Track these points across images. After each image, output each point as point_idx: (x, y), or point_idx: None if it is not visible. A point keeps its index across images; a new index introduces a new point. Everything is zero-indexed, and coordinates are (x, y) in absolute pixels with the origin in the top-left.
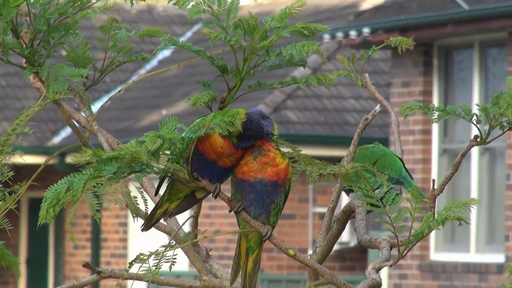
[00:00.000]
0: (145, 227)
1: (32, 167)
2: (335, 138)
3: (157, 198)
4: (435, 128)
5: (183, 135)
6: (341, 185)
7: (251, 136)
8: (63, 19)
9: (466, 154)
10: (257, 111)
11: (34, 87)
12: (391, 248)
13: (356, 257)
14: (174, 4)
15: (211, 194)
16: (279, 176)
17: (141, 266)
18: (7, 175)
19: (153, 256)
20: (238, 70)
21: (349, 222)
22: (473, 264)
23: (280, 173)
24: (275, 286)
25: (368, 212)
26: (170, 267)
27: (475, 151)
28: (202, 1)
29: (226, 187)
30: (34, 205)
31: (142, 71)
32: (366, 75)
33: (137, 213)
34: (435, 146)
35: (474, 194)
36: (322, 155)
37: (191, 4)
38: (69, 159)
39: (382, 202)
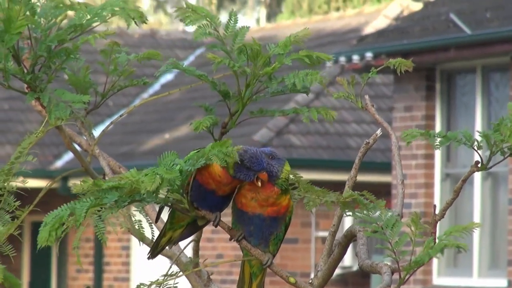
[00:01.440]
0: (151, 256)
1: (35, 191)
2: (338, 162)
3: (159, 225)
4: (438, 153)
5: (178, 167)
6: (341, 211)
7: (249, 168)
8: (63, 45)
9: (467, 179)
10: (268, 150)
11: (36, 110)
12: (392, 273)
13: (358, 282)
14: (181, 20)
15: (211, 223)
16: (279, 212)
17: None
18: (14, 205)
19: (154, 285)
20: (240, 96)
21: (352, 246)
22: None
23: (280, 210)
24: None
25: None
26: None
27: (477, 176)
28: (208, 23)
29: (228, 211)
30: (37, 229)
31: (145, 95)
32: (366, 97)
33: (141, 237)
34: (438, 171)
35: (476, 218)
36: (324, 179)
37: (197, 25)
38: (71, 184)
39: (382, 228)
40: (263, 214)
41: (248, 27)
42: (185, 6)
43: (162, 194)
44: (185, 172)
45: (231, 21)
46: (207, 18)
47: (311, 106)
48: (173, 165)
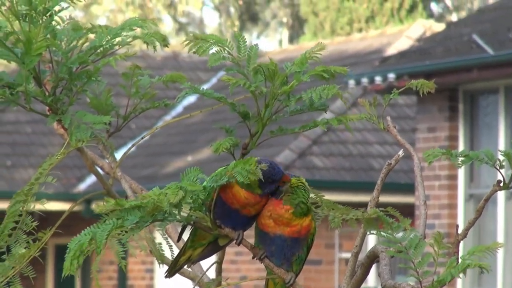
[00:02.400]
0: (169, 274)
1: (58, 214)
2: (360, 183)
3: (180, 244)
4: (461, 173)
5: (204, 183)
6: (365, 230)
7: (273, 180)
8: (85, 67)
9: (489, 199)
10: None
11: (58, 133)
12: None
13: None
14: (194, 52)
15: (234, 242)
16: (300, 233)
17: None
18: (31, 225)
19: None
20: (260, 116)
21: (375, 266)
22: None
23: (301, 231)
24: None
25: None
26: None
27: (501, 195)
28: (222, 49)
29: (251, 232)
30: (60, 252)
31: (168, 118)
32: (388, 118)
33: (162, 259)
34: (461, 192)
35: (500, 238)
36: (347, 200)
37: (211, 51)
38: (94, 206)
39: (405, 248)
40: (284, 235)
41: (257, 46)
42: (193, 36)
43: (184, 212)
44: (208, 189)
45: (240, 43)
46: (218, 44)
47: (332, 127)
48: (196, 179)
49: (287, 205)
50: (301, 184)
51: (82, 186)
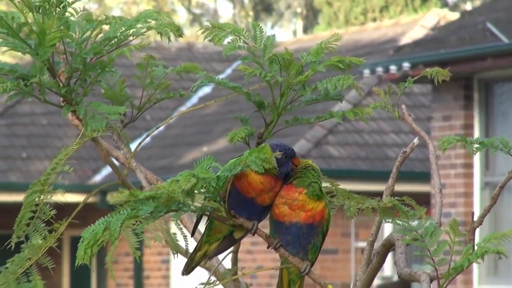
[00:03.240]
0: (186, 271)
1: (74, 206)
2: (376, 172)
3: (196, 237)
4: (477, 162)
5: (218, 173)
6: (380, 219)
7: (287, 155)
8: (99, 58)
9: (504, 186)
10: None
11: (72, 124)
12: (431, 281)
13: None
14: (210, 41)
15: (249, 232)
16: (314, 218)
17: None
18: (50, 214)
19: None
20: (275, 106)
21: (391, 255)
22: None
23: (315, 216)
24: None
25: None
26: None
27: None
28: (237, 38)
29: (265, 223)
30: (76, 244)
31: (183, 108)
32: (403, 106)
33: (177, 250)
34: (477, 180)
35: None
36: (363, 189)
37: (226, 40)
38: (109, 197)
39: (421, 236)
40: (300, 222)
41: (274, 36)
42: (210, 25)
43: (198, 202)
44: (223, 178)
45: (257, 33)
46: (235, 33)
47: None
48: (209, 168)
49: (299, 187)
50: (309, 165)
51: (98, 178)
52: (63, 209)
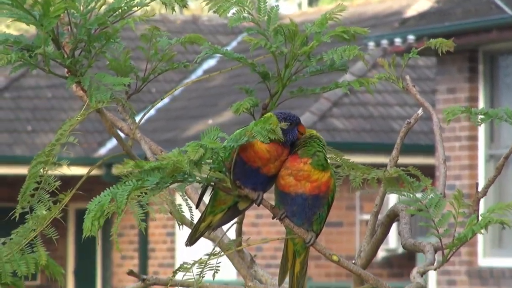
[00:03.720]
0: (190, 242)
1: (79, 178)
2: (381, 145)
3: (201, 209)
4: (481, 134)
5: (224, 143)
6: (385, 190)
7: (292, 122)
8: (103, 29)
9: (508, 157)
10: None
11: (77, 95)
12: (435, 252)
13: (404, 264)
14: (214, 12)
15: (254, 203)
16: (320, 189)
17: (184, 275)
18: (54, 185)
19: (196, 264)
20: (280, 76)
21: (397, 228)
22: None
23: (321, 186)
24: None
25: (412, 215)
26: (214, 275)
27: None
28: (242, 9)
29: (270, 196)
30: (81, 217)
31: (188, 81)
32: (407, 77)
33: (182, 221)
34: (482, 152)
35: None
36: (368, 162)
37: (231, 12)
38: (114, 169)
39: (426, 206)
40: (305, 193)
41: (278, 7)
42: None
43: (204, 173)
44: (228, 149)
45: (261, 4)
46: (239, 4)
47: (353, 89)
48: (216, 138)
49: (304, 157)
50: (313, 135)
51: (103, 151)
52: (68, 182)
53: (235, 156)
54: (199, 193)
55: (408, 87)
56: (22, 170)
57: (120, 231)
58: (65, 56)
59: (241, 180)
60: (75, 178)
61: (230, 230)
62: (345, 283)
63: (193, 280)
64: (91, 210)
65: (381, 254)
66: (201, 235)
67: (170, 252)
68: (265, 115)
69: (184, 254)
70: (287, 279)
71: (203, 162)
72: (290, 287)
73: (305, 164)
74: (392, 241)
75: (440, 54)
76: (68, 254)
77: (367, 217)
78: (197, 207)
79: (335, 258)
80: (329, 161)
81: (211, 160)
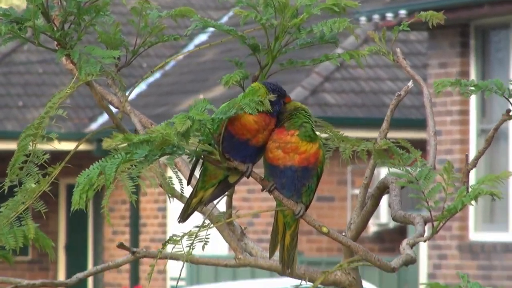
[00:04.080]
0: (182, 219)
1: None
2: (373, 120)
3: (192, 184)
4: (473, 108)
5: (212, 116)
6: (375, 162)
7: (280, 94)
8: (93, 2)
9: (498, 128)
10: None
11: (67, 68)
12: (425, 224)
13: (395, 238)
14: None
15: (243, 176)
16: (309, 161)
17: (174, 247)
18: (43, 158)
19: (186, 237)
20: (270, 49)
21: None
22: None
23: (310, 158)
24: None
25: (402, 187)
26: (203, 247)
27: None
28: None
29: (260, 170)
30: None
31: (179, 57)
32: (398, 49)
33: (172, 193)
34: (473, 127)
35: None
36: (359, 137)
37: None
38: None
39: (416, 178)
40: (294, 165)
41: None
42: None
43: (193, 145)
44: (217, 121)
45: None
46: None
47: (345, 63)
48: (204, 110)
49: (290, 129)
50: (299, 107)
51: (94, 126)
52: (59, 157)
53: (223, 129)
54: (190, 167)
55: (398, 60)
56: (13, 146)
57: (112, 206)
58: (55, 29)
59: (230, 153)
60: (65, 153)
61: (220, 203)
62: (336, 258)
63: (183, 252)
64: (79, 183)
65: (372, 228)
66: (193, 210)
67: (162, 227)
68: (253, 86)
69: (176, 228)
70: (277, 253)
71: (191, 134)
72: (280, 259)
73: (293, 136)
74: (383, 215)
75: (431, 27)
76: (59, 230)
77: (358, 192)
78: (188, 183)
79: (324, 229)
80: (317, 132)
81: (199, 133)
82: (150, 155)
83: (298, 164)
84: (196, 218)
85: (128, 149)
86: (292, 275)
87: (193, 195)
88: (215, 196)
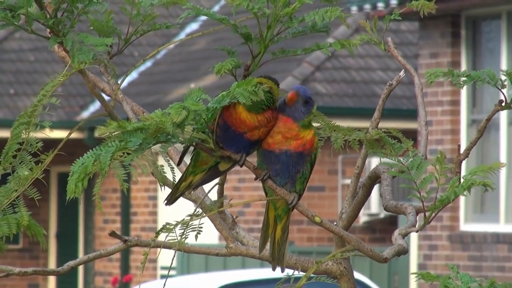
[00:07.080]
0: (169, 201)
1: (61, 142)
2: (363, 109)
3: (182, 168)
4: (464, 99)
5: (208, 105)
6: (366, 151)
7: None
8: None
9: (490, 119)
10: (306, 92)
11: (59, 56)
12: (417, 214)
13: (386, 229)
14: None
15: (236, 164)
16: (304, 147)
17: (167, 236)
18: (36, 146)
19: (179, 225)
20: (262, 38)
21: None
22: (503, 235)
23: (306, 144)
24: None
25: (393, 177)
26: (196, 236)
27: (503, 120)
28: None
29: (254, 160)
30: (64, 180)
31: (171, 46)
32: (389, 39)
33: (163, 181)
34: (464, 117)
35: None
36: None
37: None
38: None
39: (408, 168)
40: (290, 150)
41: None
42: None
43: (187, 133)
44: (211, 110)
45: None
46: None
47: (336, 53)
48: (199, 100)
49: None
50: None
51: (86, 114)
52: (51, 146)
53: (218, 119)
54: (181, 153)
55: (390, 50)
56: (4, 133)
57: (103, 194)
58: (48, 16)
59: (224, 143)
60: (57, 142)
61: (211, 192)
62: (327, 248)
63: (175, 241)
64: (74, 172)
65: (363, 219)
66: (181, 194)
67: (152, 216)
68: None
69: (166, 217)
70: (267, 246)
71: (186, 124)
72: (271, 254)
73: (293, 123)
74: (374, 205)
75: (422, 16)
76: (50, 218)
77: (349, 181)
78: (178, 164)
79: (317, 219)
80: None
81: (195, 122)
82: (144, 143)
83: (294, 149)
84: (189, 208)
85: (122, 137)
86: (283, 271)
87: (182, 179)
88: (204, 181)
